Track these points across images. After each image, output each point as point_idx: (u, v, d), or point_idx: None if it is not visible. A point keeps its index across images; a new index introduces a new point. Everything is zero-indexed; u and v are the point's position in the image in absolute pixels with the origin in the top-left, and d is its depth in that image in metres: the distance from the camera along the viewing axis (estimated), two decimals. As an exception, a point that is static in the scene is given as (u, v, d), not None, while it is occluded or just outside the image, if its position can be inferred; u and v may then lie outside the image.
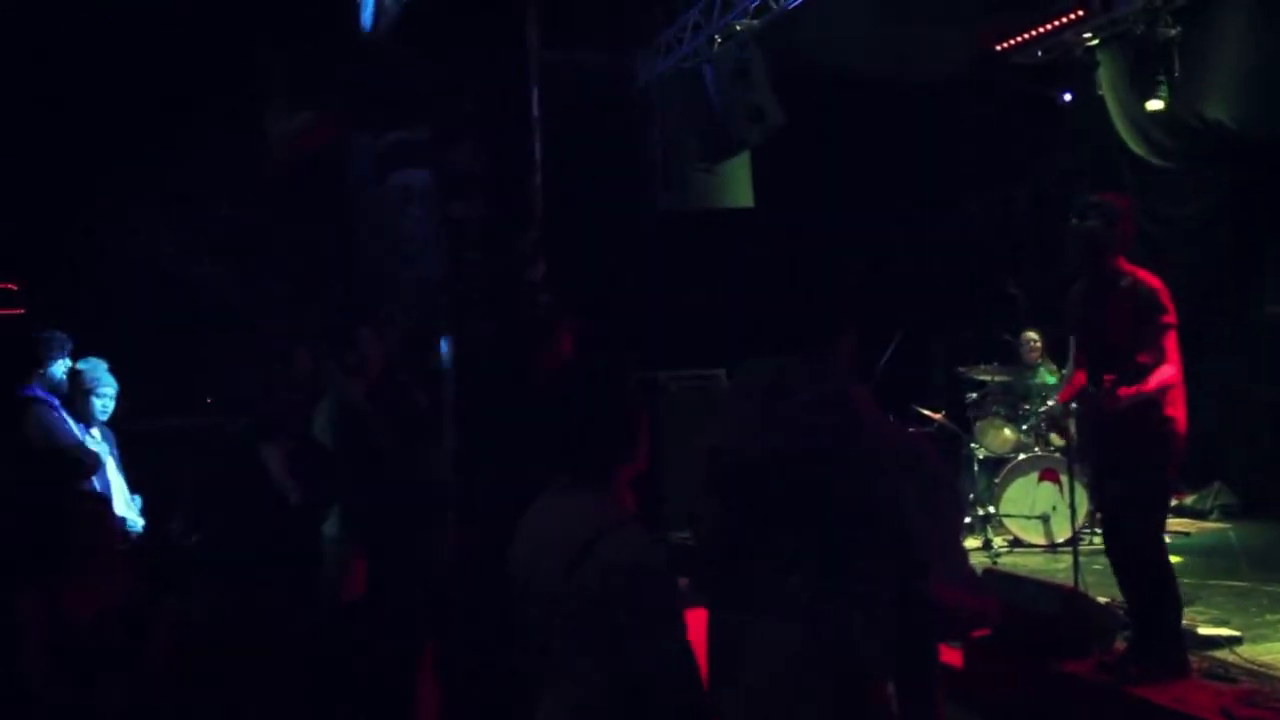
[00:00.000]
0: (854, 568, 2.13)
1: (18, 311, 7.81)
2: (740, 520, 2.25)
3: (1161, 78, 7.29)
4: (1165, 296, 4.62)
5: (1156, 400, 4.58)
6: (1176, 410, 4.64)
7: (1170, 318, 4.60)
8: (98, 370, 5.86)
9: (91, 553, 4.29)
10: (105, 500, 5.44)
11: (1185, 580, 5.47)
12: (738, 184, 8.50)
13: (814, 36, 7.82)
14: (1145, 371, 4.56)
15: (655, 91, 8.68)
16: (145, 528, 6.00)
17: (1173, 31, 7.21)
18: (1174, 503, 8.53)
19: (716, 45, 7.94)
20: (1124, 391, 4.57)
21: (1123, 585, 4.83)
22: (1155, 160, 8.18)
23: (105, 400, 5.80)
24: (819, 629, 2.16)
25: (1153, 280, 4.67)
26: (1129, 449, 4.67)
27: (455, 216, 4.01)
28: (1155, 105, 7.42)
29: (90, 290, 7.88)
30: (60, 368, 5.88)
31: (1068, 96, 8.94)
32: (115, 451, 5.97)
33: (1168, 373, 4.56)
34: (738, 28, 7.68)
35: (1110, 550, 4.90)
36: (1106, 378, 4.60)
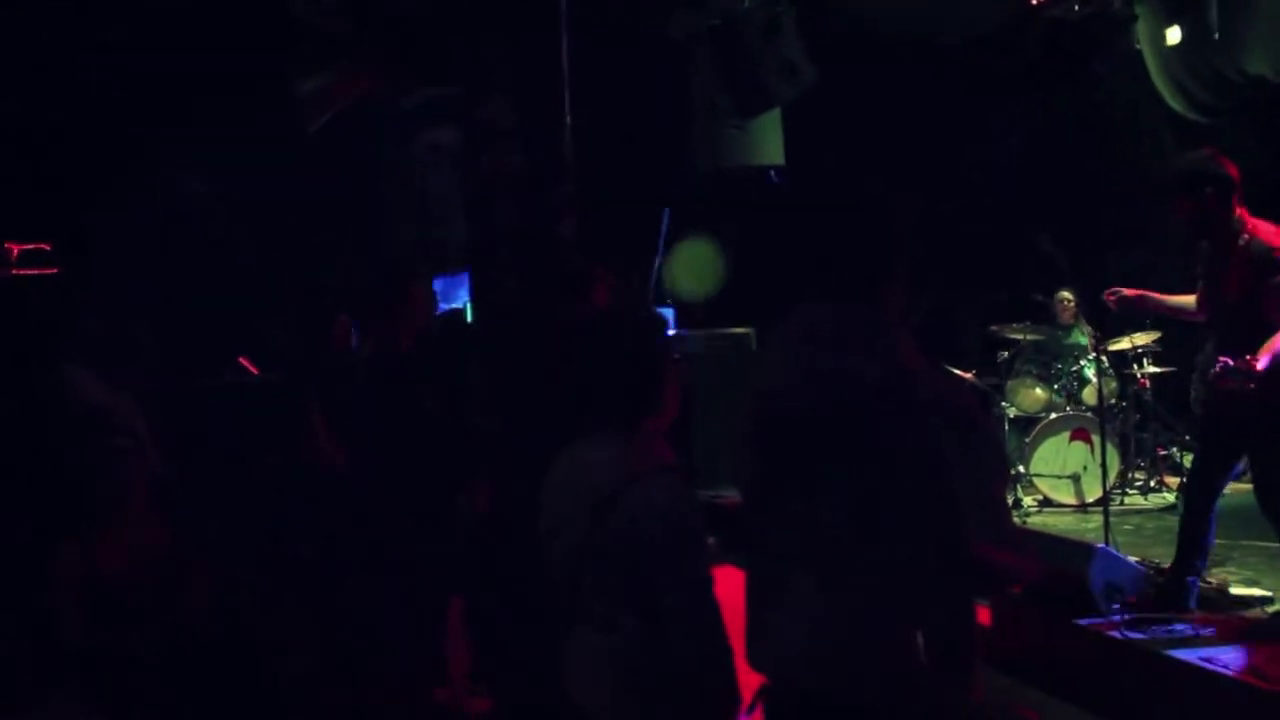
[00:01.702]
0: (892, 521, 2.13)
1: (51, 271, 7.87)
2: (779, 471, 2.25)
3: (1201, 30, 7.16)
4: None
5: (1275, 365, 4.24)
6: None
7: None
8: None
9: (125, 506, 4.36)
10: (139, 455, 5.52)
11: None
12: (768, 141, 8.42)
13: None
14: (1263, 332, 4.25)
15: (687, 47, 8.61)
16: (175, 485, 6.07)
17: (1214, -18, 7.08)
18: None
19: (748, 0, 7.86)
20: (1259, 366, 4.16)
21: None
22: (1194, 116, 8.04)
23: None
24: (855, 583, 2.17)
25: (1271, 237, 4.41)
26: (1263, 418, 4.43)
27: (486, 172, 4.00)
28: (1174, 38, 7.28)
29: (121, 250, 7.93)
30: (93, 326, 5.94)
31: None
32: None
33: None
34: (770, -18, 7.60)
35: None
36: (1221, 359, 4.22)
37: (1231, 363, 4.16)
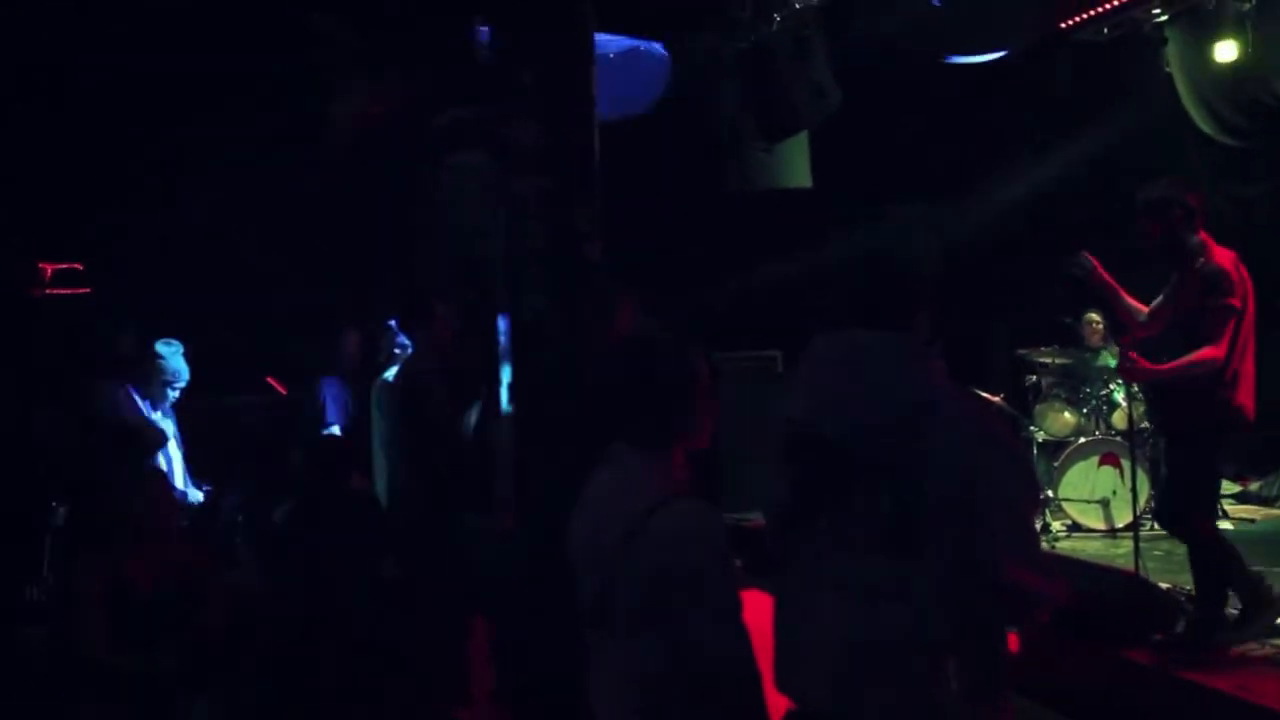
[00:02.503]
0: (923, 545, 2.12)
1: (83, 291, 7.96)
2: (809, 495, 2.25)
3: (1233, 54, 7.14)
4: (1230, 279, 4.60)
5: (1204, 381, 4.57)
6: (1231, 393, 4.61)
7: (1232, 300, 4.58)
8: (177, 360, 6.02)
9: (150, 525, 4.40)
10: (165, 476, 5.57)
11: (1251, 567, 5.35)
12: (796, 164, 8.44)
13: (872, 15, 7.73)
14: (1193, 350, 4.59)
15: (715, 71, 8.64)
16: (203, 503, 6.14)
17: (1246, 5, 7.04)
18: (1239, 489, 8.39)
19: (776, 23, 7.89)
20: (1142, 365, 4.75)
21: (1190, 563, 4.87)
22: (1224, 139, 8.00)
23: (177, 390, 6.00)
24: (886, 607, 2.16)
25: (1224, 261, 4.66)
26: (1178, 429, 4.78)
27: (514, 193, 4.01)
28: (1228, 55, 7.31)
29: (152, 269, 8.01)
30: (127, 345, 6.02)
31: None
32: (176, 431, 6.12)
33: (1203, 353, 4.55)
34: (797, 5, 7.63)
35: (1161, 526, 5.11)
36: (1124, 340, 4.83)
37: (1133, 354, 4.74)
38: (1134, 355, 4.81)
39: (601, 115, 4.16)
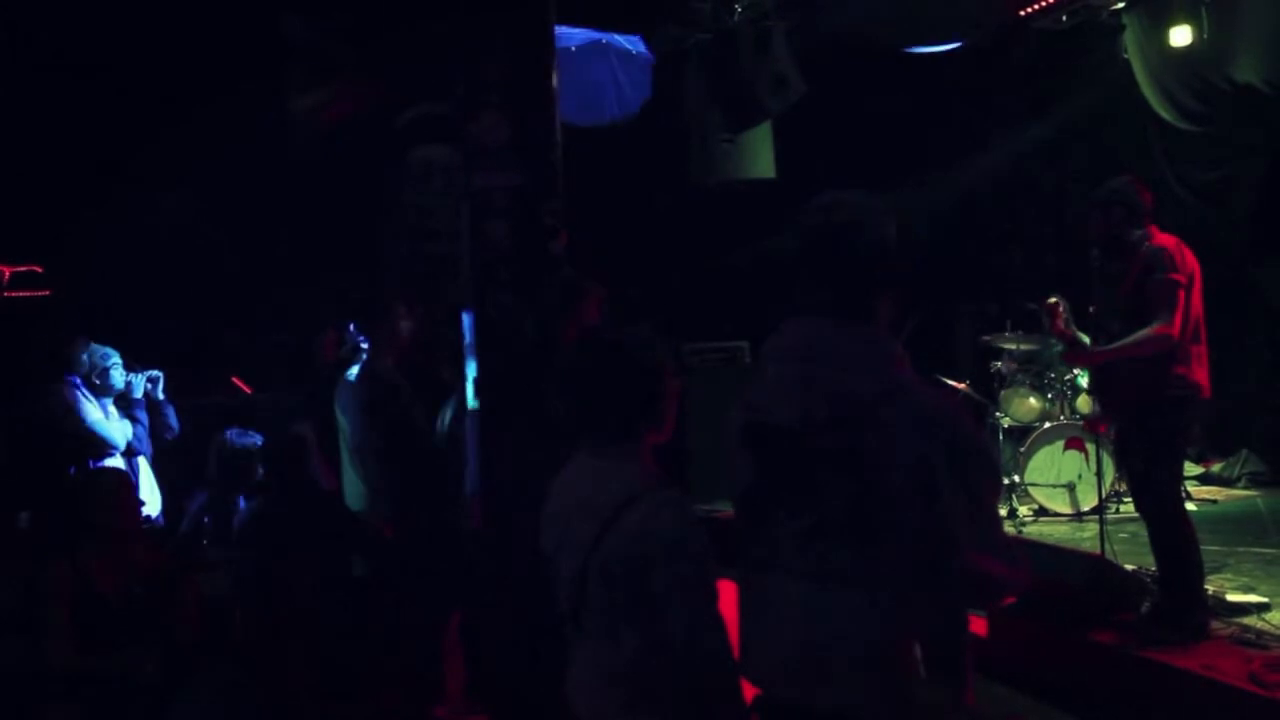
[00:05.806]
0: (884, 532, 2.14)
1: (43, 293, 7.86)
2: (772, 482, 2.26)
3: (1188, 39, 7.22)
4: (1172, 257, 4.70)
5: (1157, 358, 4.65)
6: (1185, 368, 4.69)
7: (1176, 275, 4.66)
8: (100, 350, 5.97)
9: (116, 527, 4.36)
10: (129, 479, 5.50)
11: (1213, 547, 5.43)
12: (759, 155, 8.43)
13: (834, 4, 7.75)
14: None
15: (676, 62, 8.63)
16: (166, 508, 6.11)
17: (1201, -10, 7.13)
18: (1201, 470, 8.50)
19: (738, 14, 7.89)
20: (1097, 356, 5.01)
21: (1151, 544, 4.90)
22: (1182, 124, 8.08)
23: (116, 370, 5.92)
24: (847, 594, 2.17)
25: (1166, 242, 4.77)
26: (1135, 410, 4.80)
27: (479, 188, 4.00)
28: (1182, 41, 7.44)
29: (114, 270, 7.93)
30: (82, 355, 5.97)
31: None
32: (145, 434, 6.06)
33: (1155, 330, 4.63)
34: (759, -4, 7.64)
35: (1137, 508, 5.02)
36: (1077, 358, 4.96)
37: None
38: (1062, 330, 5.26)
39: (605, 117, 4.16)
